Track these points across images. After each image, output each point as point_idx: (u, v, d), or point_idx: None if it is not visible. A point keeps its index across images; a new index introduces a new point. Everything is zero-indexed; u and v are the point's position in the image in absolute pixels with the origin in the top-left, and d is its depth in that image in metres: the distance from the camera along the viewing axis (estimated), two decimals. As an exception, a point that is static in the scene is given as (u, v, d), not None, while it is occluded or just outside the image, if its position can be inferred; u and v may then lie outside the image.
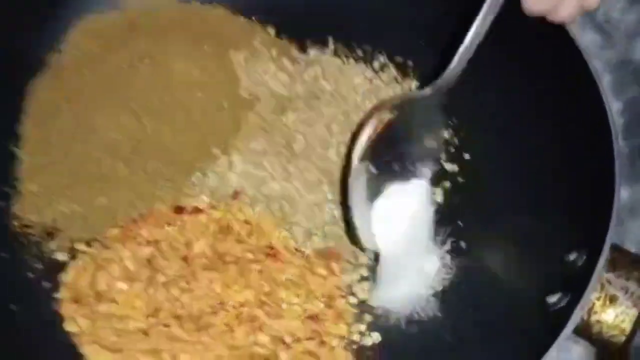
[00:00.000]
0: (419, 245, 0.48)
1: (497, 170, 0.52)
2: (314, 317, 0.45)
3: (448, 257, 0.49)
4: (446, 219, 0.51)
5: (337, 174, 0.52)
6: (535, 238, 0.45)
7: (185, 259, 0.45)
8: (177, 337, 0.42)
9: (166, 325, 0.42)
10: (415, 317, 0.47)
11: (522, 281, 0.43)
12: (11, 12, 0.52)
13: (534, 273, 0.43)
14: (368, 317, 0.47)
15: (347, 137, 0.54)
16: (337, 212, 0.50)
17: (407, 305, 0.46)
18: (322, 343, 0.44)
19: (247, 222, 0.49)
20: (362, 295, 0.47)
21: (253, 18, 0.62)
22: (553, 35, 0.44)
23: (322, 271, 0.47)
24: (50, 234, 0.47)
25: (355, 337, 0.46)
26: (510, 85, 0.54)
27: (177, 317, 0.43)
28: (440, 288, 0.47)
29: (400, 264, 0.46)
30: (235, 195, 0.50)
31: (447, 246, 0.49)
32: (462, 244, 0.50)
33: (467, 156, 0.55)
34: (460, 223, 0.51)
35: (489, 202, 0.51)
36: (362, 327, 0.46)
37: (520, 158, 0.51)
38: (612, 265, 0.40)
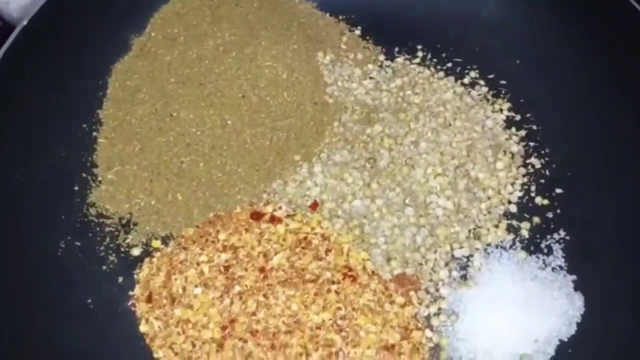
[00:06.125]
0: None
1: (595, 208, 0.49)
2: (389, 348, 0.43)
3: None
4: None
5: (422, 197, 0.49)
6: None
7: (262, 270, 0.43)
8: (252, 354, 0.40)
9: (242, 340, 0.41)
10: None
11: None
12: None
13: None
14: (444, 355, 0.44)
15: (436, 157, 0.51)
16: (419, 238, 0.48)
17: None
18: (397, 377, 0.42)
19: (324, 237, 0.46)
20: (439, 330, 0.45)
21: (340, 17, 0.60)
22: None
23: (400, 299, 0.45)
24: (125, 226, 0.46)
25: (432, 375, 0.43)
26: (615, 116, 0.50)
27: (253, 333, 0.41)
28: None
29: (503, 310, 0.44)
30: (314, 206, 0.48)
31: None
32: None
33: (558, 190, 0.51)
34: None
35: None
36: (439, 365, 0.44)
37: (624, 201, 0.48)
38: None
